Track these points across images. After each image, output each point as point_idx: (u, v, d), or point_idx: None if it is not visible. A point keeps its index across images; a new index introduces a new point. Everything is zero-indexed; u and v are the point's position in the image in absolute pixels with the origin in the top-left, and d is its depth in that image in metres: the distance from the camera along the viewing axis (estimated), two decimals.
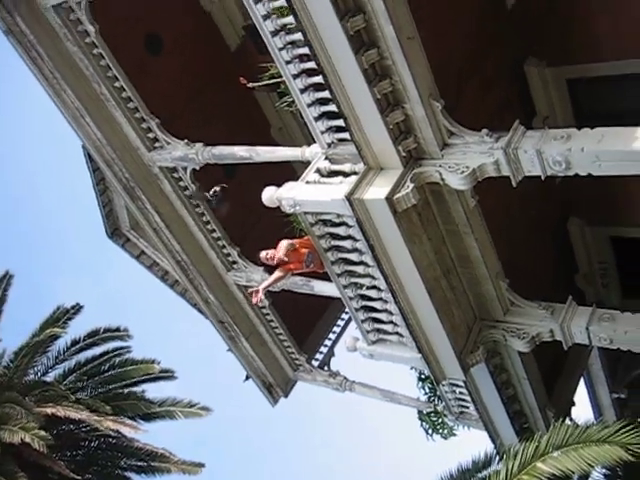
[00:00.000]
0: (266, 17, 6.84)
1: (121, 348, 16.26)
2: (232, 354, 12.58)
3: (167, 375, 16.39)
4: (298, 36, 6.70)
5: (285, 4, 6.45)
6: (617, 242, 11.77)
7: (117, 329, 16.24)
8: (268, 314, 11.76)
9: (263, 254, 8.77)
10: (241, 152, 8.89)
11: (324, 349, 13.01)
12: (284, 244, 8.48)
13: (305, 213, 7.82)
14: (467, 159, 6.87)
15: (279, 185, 7.94)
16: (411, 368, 10.91)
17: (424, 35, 6.62)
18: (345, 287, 8.49)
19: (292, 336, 12.12)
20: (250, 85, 9.04)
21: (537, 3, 9.19)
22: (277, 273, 8.93)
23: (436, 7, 7.82)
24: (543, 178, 6.64)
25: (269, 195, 7.92)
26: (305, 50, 6.77)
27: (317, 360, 12.78)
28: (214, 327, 12.20)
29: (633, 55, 9.15)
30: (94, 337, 16.01)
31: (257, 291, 9.10)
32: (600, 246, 11.84)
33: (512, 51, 9.56)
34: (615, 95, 9.77)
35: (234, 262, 11.07)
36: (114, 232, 12.51)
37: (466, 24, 8.63)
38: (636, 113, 9.11)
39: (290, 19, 6.59)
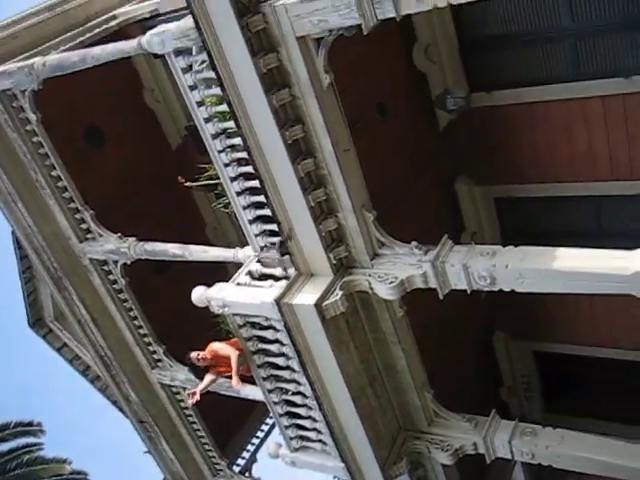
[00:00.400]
0: (208, 120, 6.99)
1: (33, 445, 15.45)
2: (150, 456, 12.07)
3: (79, 477, 15.58)
4: (238, 140, 6.85)
5: (227, 109, 6.64)
6: (540, 357, 12.08)
7: (29, 423, 15.49)
8: (190, 415, 11.40)
9: (194, 355, 8.56)
10: (174, 250, 8.84)
11: (247, 454, 12.60)
12: (232, 357, 8.28)
13: (234, 314, 7.78)
14: (396, 270, 7.01)
15: (210, 285, 7.92)
16: (334, 477, 10.66)
17: (360, 147, 6.89)
18: (270, 391, 8.36)
19: (214, 439, 11.72)
20: (188, 184, 9.13)
21: (468, 126, 9.74)
22: (210, 376, 8.75)
23: (373, 124, 8.19)
24: (469, 292, 6.81)
25: (199, 294, 7.87)
26: (244, 154, 6.91)
27: (239, 465, 12.34)
28: (133, 426, 11.73)
29: (552, 180, 9.75)
30: (4, 432, 15.21)
31: (194, 393, 8.85)
32: (524, 360, 12.12)
33: (445, 168, 10.02)
34: (538, 215, 10.29)
35: (159, 360, 10.79)
36: (36, 322, 12.06)
37: (401, 140, 9.04)
38: (556, 233, 9.66)
39: (231, 124, 6.75)
